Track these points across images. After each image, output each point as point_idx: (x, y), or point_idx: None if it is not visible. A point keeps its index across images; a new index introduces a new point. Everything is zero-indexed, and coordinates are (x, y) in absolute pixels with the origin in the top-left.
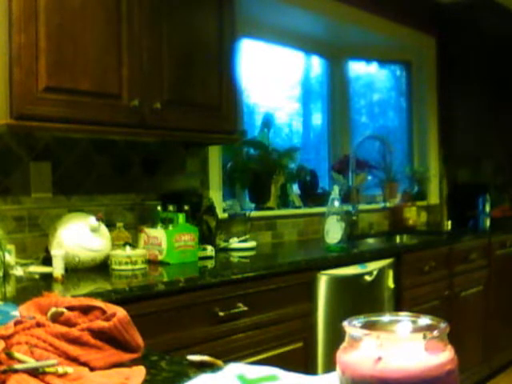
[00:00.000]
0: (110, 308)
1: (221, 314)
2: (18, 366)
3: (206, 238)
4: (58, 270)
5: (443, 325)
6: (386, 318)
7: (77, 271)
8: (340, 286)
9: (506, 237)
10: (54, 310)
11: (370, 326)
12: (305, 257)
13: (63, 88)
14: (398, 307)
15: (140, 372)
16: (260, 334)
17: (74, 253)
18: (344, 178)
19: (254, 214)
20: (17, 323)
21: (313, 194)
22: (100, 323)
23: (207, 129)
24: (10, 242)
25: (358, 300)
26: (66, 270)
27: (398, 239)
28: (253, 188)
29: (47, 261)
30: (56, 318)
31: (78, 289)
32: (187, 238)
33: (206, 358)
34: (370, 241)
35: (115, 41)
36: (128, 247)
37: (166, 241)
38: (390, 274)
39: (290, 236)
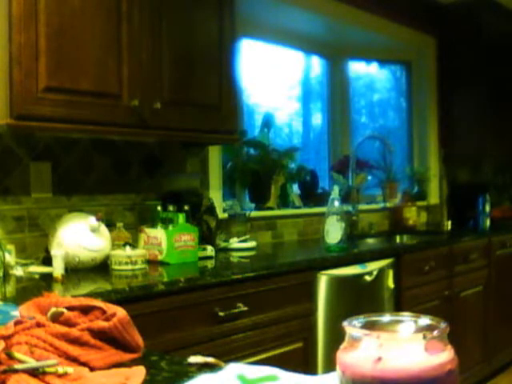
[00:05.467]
0: (110, 308)
1: (221, 314)
2: (17, 366)
3: (206, 238)
4: (58, 269)
5: (443, 325)
6: (385, 318)
7: (77, 271)
8: (340, 286)
9: (505, 237)
10: (53, 309)
11: (370, 326)
12: (305, 257)
13: (63, 88)
14: (397, 307)
15: (140, 372)
16: (260, 334)
17: (74, 253)
18: (344, 178)
19: (254, 214)
20: (17, 323)
21: (313, 194)
22: (100, 323)
23: (207, 129)
24: (10, 242)
25: (358, 300)
26: (66, 269)
27: (398, 239)
28: (253, 188)
29: (47, 261)
30: (56, 318)
31: (78, 289)
32: (187, 237)
33: (209, 359)
34: (370, 241)
35: (115, 41)
36: (128, 247)
37: (166, 241)
38: (390, 274)
39: (289, 236)
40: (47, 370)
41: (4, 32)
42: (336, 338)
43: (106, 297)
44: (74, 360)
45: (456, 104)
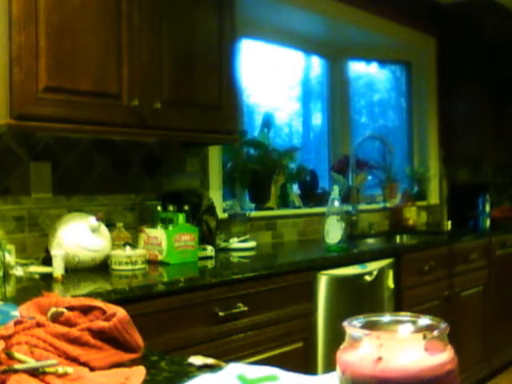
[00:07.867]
0: (110, 308)
1: (221, 313)
2: (17, 366)
3: (206, 238)
4: (58, 269)
5: (443, 325)
6: (386, 318)
7: (77, 271)
8: (340, 285)
9: (506, 237)
10: (53, 310)
11: (370, 326)
12: (305, 257)
13: (63, 88)
14: (397, 307)
15: (140, 372)
16: (260, 334)
17: (74, 253)
18: (344, 178)
19: (254, 214)
20: (17, 323)
21: (313, 194)
22: (100, 323)
23: (207, 129)
24: (10, 242)
25: (358, 300)
26: (66, 269)
27: (398, 239)
28: (253, 188)
29: (47, 261)
30: (56, 318)
31: (78, 289)
32: (187, 238)
33: (208, 360)
34: (370, 241)
35: (115, 41)
36: (128, 247)
37: (166, 241)
38: (390, 274)
39: (289, 236)
40: (47, 370)
41: (4, 32)
42: (336, 338)
43: (106, 297)
44: (73, 360)
45: (456, 104)
